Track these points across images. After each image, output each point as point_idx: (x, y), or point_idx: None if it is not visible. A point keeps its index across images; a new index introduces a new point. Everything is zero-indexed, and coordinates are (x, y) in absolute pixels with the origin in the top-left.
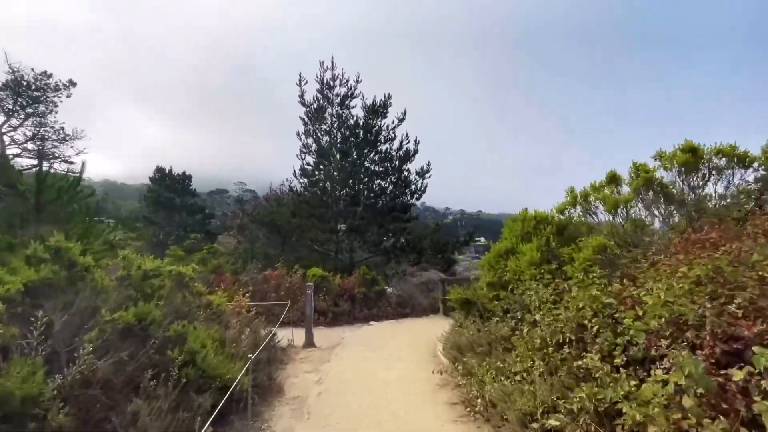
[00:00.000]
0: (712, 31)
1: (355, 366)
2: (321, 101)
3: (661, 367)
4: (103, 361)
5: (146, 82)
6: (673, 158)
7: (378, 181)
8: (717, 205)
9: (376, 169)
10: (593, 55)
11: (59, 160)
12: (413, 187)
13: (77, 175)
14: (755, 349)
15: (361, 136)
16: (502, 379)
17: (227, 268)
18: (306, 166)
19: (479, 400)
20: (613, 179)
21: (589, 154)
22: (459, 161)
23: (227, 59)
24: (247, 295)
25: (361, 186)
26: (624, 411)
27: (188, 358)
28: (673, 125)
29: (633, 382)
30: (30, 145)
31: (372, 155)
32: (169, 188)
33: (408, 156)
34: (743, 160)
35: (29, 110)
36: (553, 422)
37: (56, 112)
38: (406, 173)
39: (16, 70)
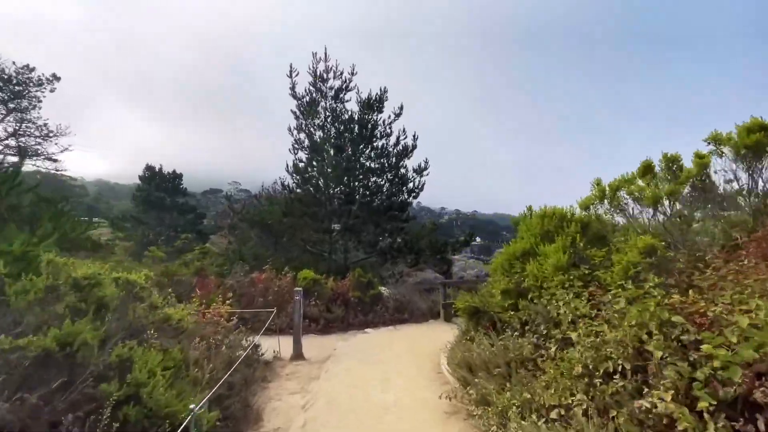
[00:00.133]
0: (713, 29)
1: (348, 385)
2: (314, 94)
3: None
4: (4, 403)
5: (140, 81)
6: (738, 139)
7: (374, 178)
8: None
9: (372, 165)
10: (592, 56)
11: (42, 157)
12: (410, 184)
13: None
14: None
15: (356, 131)
16: (533, 416)
17: (211, 270)
18: (298, 163)
19: None
20: (648, 170)
21: (587, 154)
22: (455, 161)
23: (225, 59)
24: (231, 300)
25: (357, 183)
26: None
27: (131, 392)
28: (671, 126)
29: None
30: (12, 142)
31: (368, 151)
32: (159, 187)
33: (406, 152)
34: None
35: (11, 105)
36: None
37: (40, 108)
38: (403, 170)
39: None
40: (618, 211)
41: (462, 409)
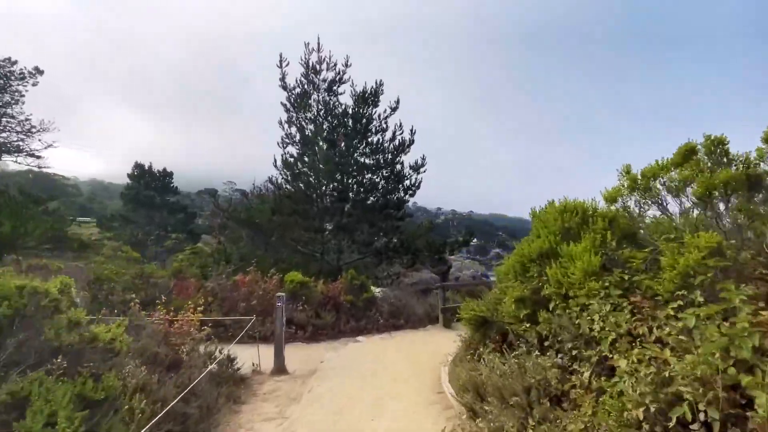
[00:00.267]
0: (712, 29)
1: (333, 411)
2: (305, 86)
3: None
4: None
5: (136, 80)
6: None
7: (369, 175)
8: None
9: (367, 162)
10: (591, 55)
11: (24, 153)
12: (407, 182)
13: None
14: None
15: (350, 125)
16: None
17: (191, 272)
18: (288, 158)
19: None
20: (690, 154)
21: (587, 155)
22: (451, 161)
23: (222, 58)
24: (212, 304)
25: (350, 180)
26: None
27: None
28: (669, 127)
29: None
30: None
31: (362, 147)
32: (149, 186)
33: (402, 147)
34: None
35: None
36: None
37: (23, 103)
38: (399, 167)
39: None
40: (653, 203)
41: None
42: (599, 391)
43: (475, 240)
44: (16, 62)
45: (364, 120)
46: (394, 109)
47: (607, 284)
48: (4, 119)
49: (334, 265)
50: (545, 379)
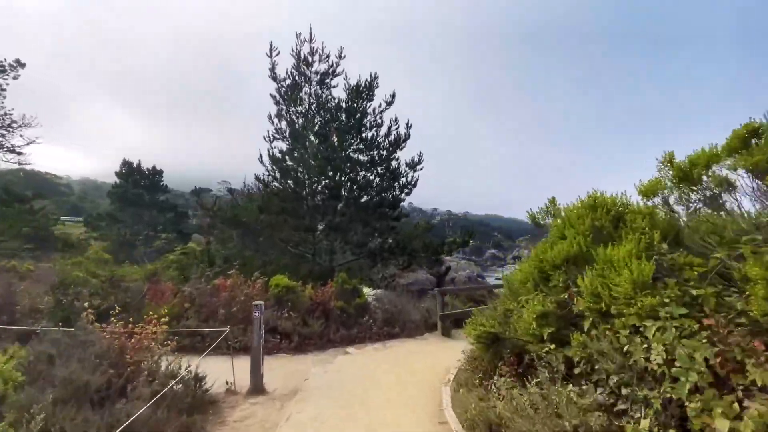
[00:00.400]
0: (713, 28)
1: None
2: (297, 78)
3: None
4: None
5: (130, 79)
6: None
7: (363, 172)
8: None
9: (361, 158)
10: (589, 56)
11: (4, 149)
12: (403, 180)
13: None
14: None
15: (343, 119)
16: None
17: (168, 275)
18: (276, 153)
19: None
20: (752, 136)
21: (584, 156)
22: (447, 162)
23: (219, 58)
24: (186, 311)
25: (343, 177)
26: None
27: None
28: (668, 127)
29: None
30: None
31: (356, 143)
32: (138, 184)
33: (398, 142)
34: None
35: None
36: None
37: (4, 97)
38: (395, 163)
39: None
40: (707, 198)
41: None
42: None
43: (470, 241)
44: None
45: (358, 114)
46: (389, 104)
47: (666, 300)
48: None
49: (326, 266)
50: (585, 424)
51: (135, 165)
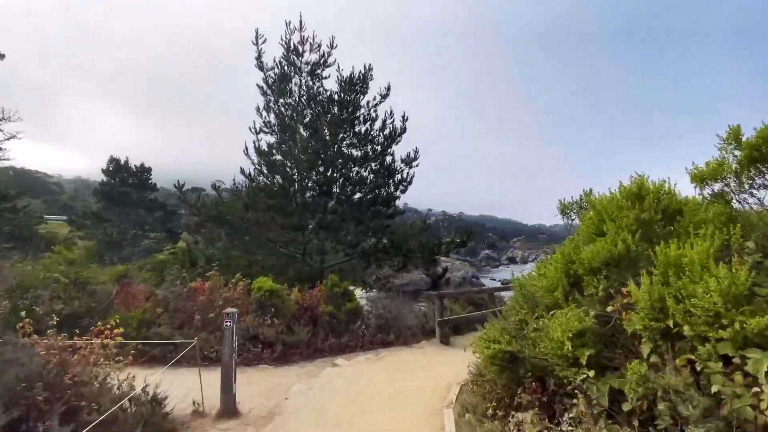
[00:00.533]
0: (709, 28)
1: None
2: (286, 68)
3: None
4: None
5: (125, 78)
6: None
7: (356, 168)
8: None
9: (354, 153)
10: (585, 57)
11: None
12: (398, 176)
13: None
14: None
15: (336, 111)
16: None
17: (142, 277)
18: (262, 146)
19: None
20: None
21: (584, 157)
22: (441, 162)
23: (215, 58)
24: (159, 317)
25: (335, 173)
26: None
27: None
28: (667, 128)
29: None
30: None
31: (349, 137)
32: (125, 182)
33: (394, 136)
34: None
35: None
36: None
37: None
38: (389, 159)
39: None
40: None
41: None
42: None
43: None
44: None
45: (351, 107)
46: (384, 96)
47: None
48: None
49: (316, 267)
50: None
51: (123, 162)
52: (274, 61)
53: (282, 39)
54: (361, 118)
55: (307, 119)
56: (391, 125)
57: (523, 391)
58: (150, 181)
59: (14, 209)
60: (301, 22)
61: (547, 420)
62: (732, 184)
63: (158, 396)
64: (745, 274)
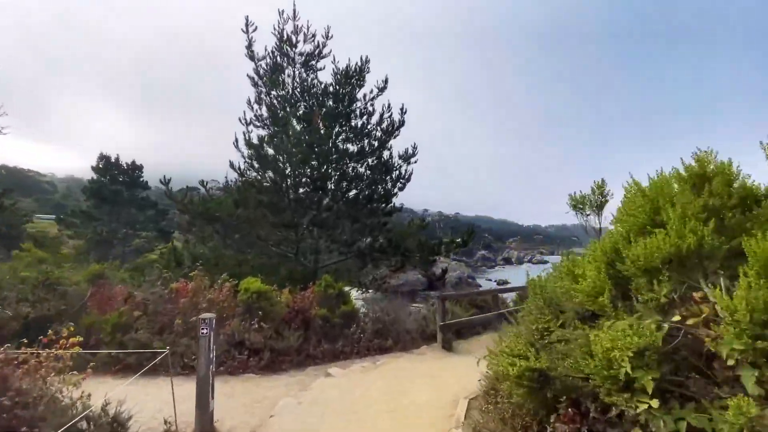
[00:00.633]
0: (707, 29)
1: None
2: (278, 59)
3: None
4: None
5: (121, 77)
6: None
7: (352, 163)
8: None
9: (350, 148)
10: (584, 57)
11: None
12: (396, 173)
13: None
14: None
15: (331, 104)
16: None
17: (119, 277)
18: (253, 139)
19: None
20: None
21: (580, 156)
22: (438, 163)
23: (213, 58)
24: (136, 321)
25: (330, 169)
26: None
27: None
28: (666, 128)
29: None
30: None
31: (345, 132)
32: (115, 180)
33: (392, 130)
34: None
35: None
36: None
37: None
38: (387, 154)
39: None
40: None
41: None
42: None
43: (459, 240)
44: None
45: (347, 100)
46: (381, 90)
47: None
48: None
49: (310, 267)
50: None
51: (113, 160)
52: (266, 50)
53: (275, 28)
54: (358, 112)
55: (301, 112)
56: (388, 119)
57: (557, 418)
58: (141, 179)
59: (1, 207)
60: (294, 11)
61: None
62: None
63: (120, 416)
64: None
